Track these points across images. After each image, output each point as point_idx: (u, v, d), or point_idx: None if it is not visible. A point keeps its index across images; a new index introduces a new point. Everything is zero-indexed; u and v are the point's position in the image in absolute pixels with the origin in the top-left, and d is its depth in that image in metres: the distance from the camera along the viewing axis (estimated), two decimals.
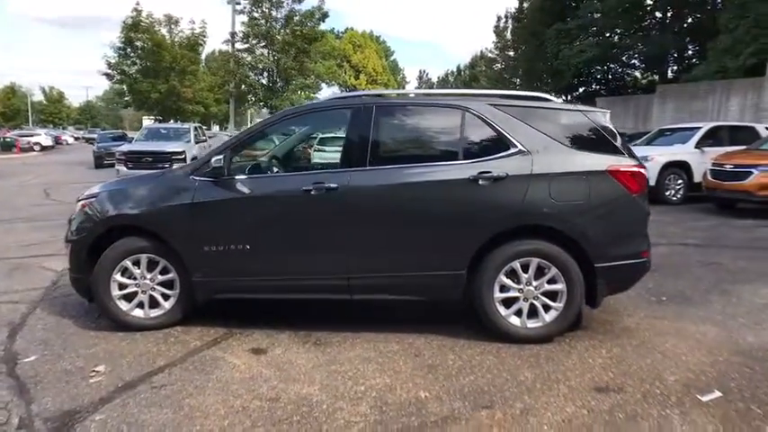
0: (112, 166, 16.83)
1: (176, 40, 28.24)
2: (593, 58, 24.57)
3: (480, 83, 44.17)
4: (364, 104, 3.78)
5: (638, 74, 28.52)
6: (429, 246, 3.61)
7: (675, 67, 26.49)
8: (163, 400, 2.87)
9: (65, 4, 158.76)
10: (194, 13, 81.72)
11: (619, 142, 3.73)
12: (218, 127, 49.87)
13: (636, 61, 27.19)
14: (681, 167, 10.84)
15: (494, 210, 3.53)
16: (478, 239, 3.55)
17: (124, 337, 3.77)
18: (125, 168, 14.30)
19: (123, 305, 3.87)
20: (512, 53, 36.55)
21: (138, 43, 26.85)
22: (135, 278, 3.86)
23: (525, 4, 32.54)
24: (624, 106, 20.74)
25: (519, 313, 3.62)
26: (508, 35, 37.51)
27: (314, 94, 31.06)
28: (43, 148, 35.88)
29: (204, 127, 24.14)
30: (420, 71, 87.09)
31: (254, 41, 25.26)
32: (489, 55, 43.41)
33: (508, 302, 3.62)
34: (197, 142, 16.43)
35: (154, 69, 26.92)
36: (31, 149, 34.45)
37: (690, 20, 25.73)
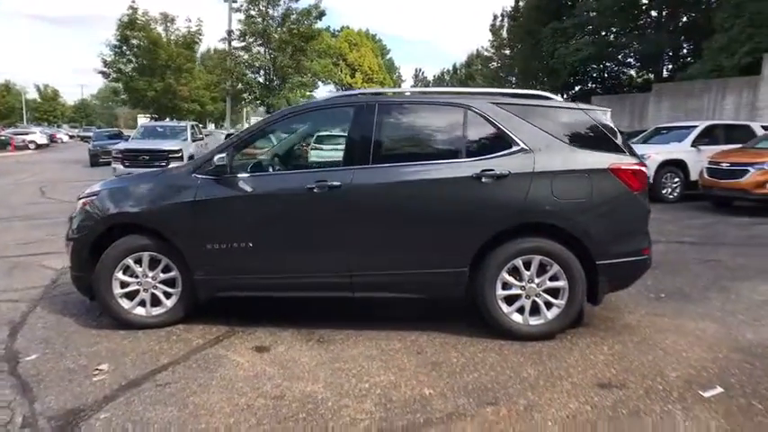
0: (108, 164, 16.77)
1: (172, 38, 28.13)
2: (589, 56, 24.64)
3: (476, 81, 44.21)
4: (367, 102, 3.79)
5: (633, 72, 28.62)
6: (432, 243, 3.62)
7: (671, 66, 26.60)
8: (167, 398, 2.87)
9: (59, 2, 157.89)
10: (190, 11, 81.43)
11: (620, 140, 3.75)
12: (213, 125, 49.70)
13: (631, 60, 27.30)
14: (677, 166, 10.90)
15: (496, 207, 3.55)
16: (481, 237, 3.56)
17: (126, 335, 3.76)
18: (122, 166, 14.24)
19: (125, 303, 3.86)
20: (508, 52, 36.63)
21: (134, 41, 26.72)
22: (137, 276, 3.86)
23: (521, 3, 32.58)
24: (620, 105, 20.79)
25: (521, 310, 3.64)
26: (504, 34, 37.58)
27: (310, 92, 31.03)
28: (38, 147, 35.66)
29: (200, 125, 24.07)
30: (416, 69, 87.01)
31: (250, 39, 25.17)
32: (485, 53, 43.51)
33: (510, 300, 3.64)
34: (194, 140, 16.39)
35: (150, 67, 26.81)
36: (26, 147, 34.22)
37: (685, 19, 25.85)
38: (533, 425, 2.61)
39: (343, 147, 4.00)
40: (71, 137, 53.71)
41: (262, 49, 25.37)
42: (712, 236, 7.57)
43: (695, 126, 11.59)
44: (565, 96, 25.25)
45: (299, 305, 4.33)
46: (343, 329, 3.82)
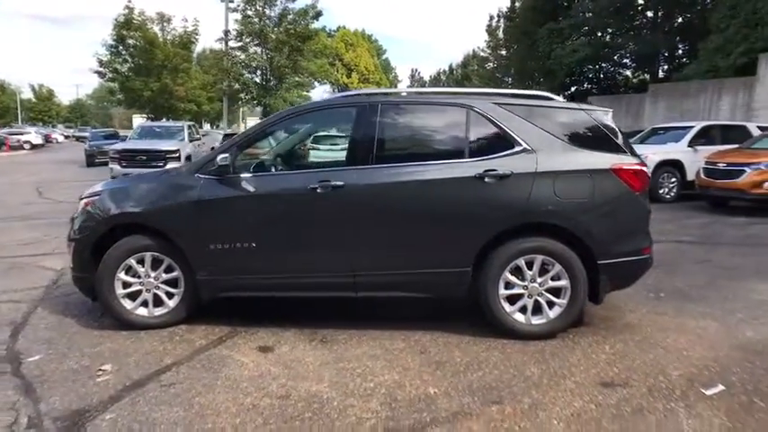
0: (105, 164, 16.74)
1: (169, 37, 28.06)
2: (586, 57, 24.71)
3: (472, 82, 44.29)
4: (370, 103, 3.80)
5: (629, 73, 28.74)
6: (435, 243, 3.63)
7: (666, 67, 26.76)
8: (173, 398, 2.87)
9: (54, 1, 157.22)
10: (186, 10, 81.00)
11: (621, 141, 3.78)
12: (209, 125, 49.57)
13: (627, 60, 27.40)
14: (674, 166, 10.96)
15: (499, 207, 3.57)
16: (484, 237, 3.58)
17: (128, 335, 3.76)
18: (119, 167, 14.22)
19: (127, 304, 3.85)
20: (504, 52, 36.73)
21: (131, 41, 26.65)
22: (139, 276, 3.85)
23: (517, 4, 32.64)
24: (616, 105, 20.82)
25: (523, 310, 3.66)
26: (500, 34, 37.68)
27: (307, 92, 31.02)
28: (33, 147, 35.46)
29: (197, 125, 24.01)
30: (412, 70, 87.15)
31: (247, 39, 25.16)
32: (481, 54, 43.64)
33: (513, 299, 3.66)
34: (191, 140, 16.38)
35: (146, 67, 26.73)
36: (21, 148, 34.04)
37: (680, 19, 25.99)
38: (539, 423, 2.62)
39: (339, 147, 4.02)
40: (66, 137, 53.40)
41: (259, 49, 25.38)
42: (710, 236, 7.63)
43: (692, 126, 11.66)
44: (562, 97, 25.31)
45: (300, 305, 4.34)
46: (346, 329, 3.83)
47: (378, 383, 3.04)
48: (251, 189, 3.72)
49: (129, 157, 14.41)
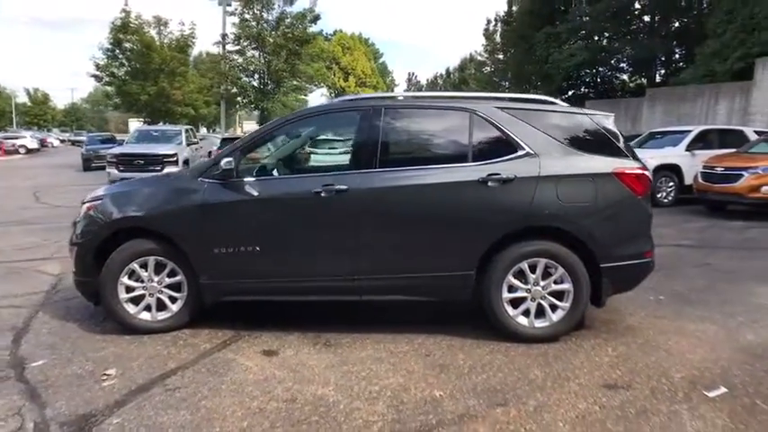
0: (101, 168, 16.65)
1: (166, 41, 28.09)
2: (583, 61, 24.87)
3: (469, 86, 44.44)
4: (373, 107, 3.82)
5: (626, 77, 28.93)
6: (439, 247, 3.65)
7: (663, 71, 26.93)
8: (178, 402, 2.87)
9: (49, 5, 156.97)
10: (183, 14, 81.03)
11: (623, 145, 3.81)
12: (205, 129, 49.51)
13: (624, 65, 27.60)
14: (672, 170, 11.01)
15: (502, 211, 3.59)
16: (487, 240, 3.60)
17: (132, 340, 3.75)
18: (116, 171, 14.17)
19: (130, 308, 3.85)
20: (501, 56, 36.84)
21: (127, 45, 26.67)
22: (142, 281, 3.85)
23: (515, 8, 32.85)
24: (614, 109, 20.69)
25: (526, 313, 3.68)
26: (497, 38, 37.79)
27: (304, 96, 31.08)
28: (29, 151, 35.30)
29: (194, 129, 23.98)
30: (409, 73, 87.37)
31: (245, 43, 25.21)
32: (478, 58, 43.71)
33: (516, 302, 3.68)
34: (188, 144, 16.34)
35: (143, 71, 26.76)
36: (16, 152, 33.88)
37: (677, 24, 26.19)
38: (544, 425, 2.64)
39: (337, 151, 4.04)
40: (62, 141, 53.26)
41: (256, 53, 25.43)
42: (708, 239, 7.67)
43: (690, 131, 11.73)
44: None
45: (303, 309, 4.34)
46: (350, 333, 3.84)
47: (383, 386, 3.05)
48: (255, 193, 3.73)
49: (126, 162, 14.37)
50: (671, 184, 11.02)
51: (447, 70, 64.82)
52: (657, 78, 26.41)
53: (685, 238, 7.75)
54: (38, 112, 74.53)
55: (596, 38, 26.89)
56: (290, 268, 3.76)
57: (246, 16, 24.94)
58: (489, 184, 3.58)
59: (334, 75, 54.07)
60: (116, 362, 3.40)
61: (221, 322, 4.01)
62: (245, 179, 3.78)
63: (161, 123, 26.07)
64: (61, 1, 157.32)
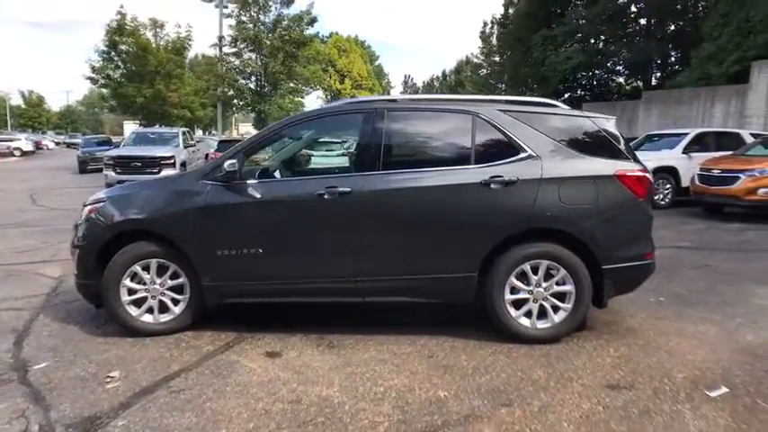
0: (98, 171, 16.62)
1: (162, 43, 28.06)
2: (579, 64, 24.99)
3: (466, 88, 44.55)
4: (376, 109, 3.84)
5: (622, 80, 29.08)
6: (441, 249, 3.66)
7: (659, 74, 27.09)
8: (183, 404, 2.87)
9: (43, 7, 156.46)
10: (179, 16, 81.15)
11: (624, 147, 3.84)
12: (202, 131, 49.42)
13: (620, 67, 27.74)
14: (669, 172, 11.07)
15: (505, 213, 3.61)
16: (490, 242, 3.62)
17: (134, 342, 3.75)
18: (113, 173, 14.10)
19: (133, 310, 3.85)
20: (497, 59, 37.00)
21: (123, 47, 26.62)
22: (145, 283, 3.85)
23: (511, 11, 32.96)
24: (610, 112, 20.86)
25: (529, 314, 3.69)
26: (494, 41, 37.99)
27: (301, 98, 31.08)
28: (24, 154, 35.11)
29: (191, 131, 23.95)
30: (405, 76, 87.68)
31: (242, 45, 25.23)
32: (475, 60, 43.93)
33: (518, 304, 3.70)
34: (185, 147, 16.30)
35: (139, 73, 26.73)
36: (12, 155, 33.70)
37: (673, 27, 26.36)
38: (549, 425, 2.65)
39: (335, 153, 4.05)
40: (57, 143, 53.03)
41: (253, 55, 25.45)
42: (706, 241, 7.72)
43: (686, 133, 11.81)
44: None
45: (305, 310, 4.35)
46: (352, 334, 3.85)
47: (387, 387, 3.06)
48: (258, 195, 3.73)
49: (123, 164, 14.31)
50: (668, 186, 11.08)
51: (443, 72, 64.96)
52: (653, 81, 26.57)
53: (684, 239, 7.79)
54: (32, 115, 74.26)
55: (592, 41, 27.04)
56: (293, 270, 3.76)
57: (243, 18, 24.97)
58: (492, 186, 3.60)
59: (331, 77, 54.14)
60: (119, 364, 3.40)
61: (224, 324, 4.01)
62: (249, 181, 3.78)
63: (157, 126, 26.02)
64: (57, 3, 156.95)
